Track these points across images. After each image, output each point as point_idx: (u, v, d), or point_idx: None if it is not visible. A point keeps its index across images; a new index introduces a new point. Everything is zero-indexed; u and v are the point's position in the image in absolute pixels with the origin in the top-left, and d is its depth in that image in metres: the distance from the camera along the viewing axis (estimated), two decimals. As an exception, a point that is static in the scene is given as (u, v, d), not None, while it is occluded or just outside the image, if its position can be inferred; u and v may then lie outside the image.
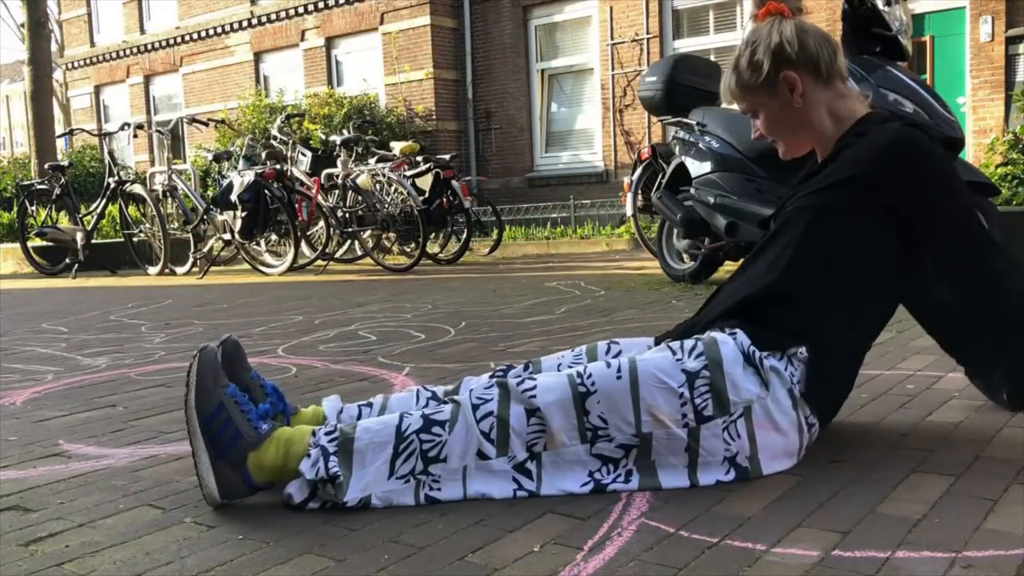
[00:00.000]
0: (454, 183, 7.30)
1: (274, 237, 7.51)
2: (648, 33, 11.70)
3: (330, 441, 1.48)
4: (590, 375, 1.52)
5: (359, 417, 1.71)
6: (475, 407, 1.51)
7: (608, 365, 1.54)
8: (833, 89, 1.70)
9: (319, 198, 7.24)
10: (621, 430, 1.50)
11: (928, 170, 1.62)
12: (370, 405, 1.74)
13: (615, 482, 1.50)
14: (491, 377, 1.74)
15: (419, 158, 7.88)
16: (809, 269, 1.63)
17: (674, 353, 1.55)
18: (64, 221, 8.91)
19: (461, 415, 1.50)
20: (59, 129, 14.98)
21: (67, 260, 8.47)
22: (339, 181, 7.41)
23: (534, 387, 1.51)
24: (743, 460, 1.52)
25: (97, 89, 18.03)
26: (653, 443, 1.50)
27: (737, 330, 1.58)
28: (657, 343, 1.78)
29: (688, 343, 1.57)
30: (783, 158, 1.80)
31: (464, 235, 7.50)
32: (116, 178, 8.03)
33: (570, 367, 1.74)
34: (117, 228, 8.88)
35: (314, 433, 1.50)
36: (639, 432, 1.50)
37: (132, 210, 8.23)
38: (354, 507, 1.45)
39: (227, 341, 1.63)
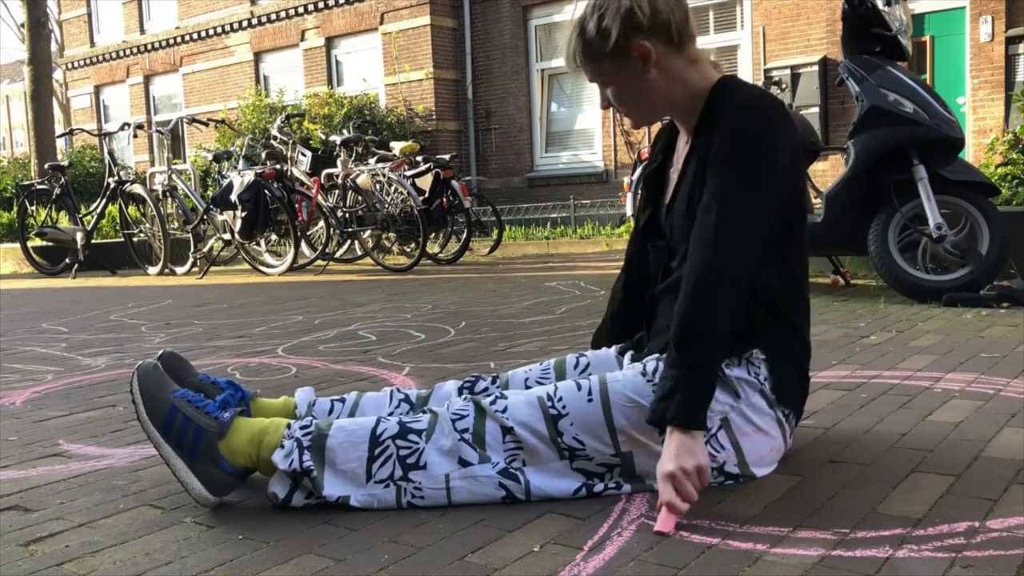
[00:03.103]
0: (454, 183, 7.30)
1: (274, 237, 7.51)
2: (648, 33, 11.69)
3: (305, 435, 1.48)
4: (560, 397, 1.50)
5: (331, 411, 1.71)
6: (452, 421, 1.50)
7: (579, 387, 1.51)
8: (685, 55, 1.54)
9: (319, 198, 7.24)
10: (600, 451, 1.48)
11: (748, 134, 1.48)
12: (343, 400, 1.74)
13: (607, 490, 1.49)
14: (460, 391, 1.72)
15: (419, 158, 7.88)
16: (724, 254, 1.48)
17: (644, 373, 1.52)
18: (64, 221, 8.90)
19: (439, 425, 1.50)
20: (59, 129, 14.97)
21: (67, 260, 8.46)
22: (339, 181, 7.41)
23: (505, 408, 1.50)
24: (732, 467, 1.51)
25: (97, 89, 18.03)
26: (635, 459, 1.49)
27: None
28: (621, 352, 1.77)
29: (651, 364, 1.53)
30: (633, 128, 1.70)
31: (464, 235, 7.50)
32: (116, 178, 8.02)
33: (539, 382, 1.73)
34: (117, 228, 8.88)
35: (289, 426, 1.50)
36: (618, 452, 1.49)
37: (132, 210, 8.23)
38: (336, 504, 1.45)
39: (163, 355, 1.63)
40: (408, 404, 1.72)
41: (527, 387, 1.73)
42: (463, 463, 1.47)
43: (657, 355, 1.55)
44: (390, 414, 1.67)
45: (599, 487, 1.49)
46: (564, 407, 1.49)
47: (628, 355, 1.72)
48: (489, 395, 1.56)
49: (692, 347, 1.41)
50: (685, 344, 1.42)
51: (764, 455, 1.54)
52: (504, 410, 1.50)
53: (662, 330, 1.62)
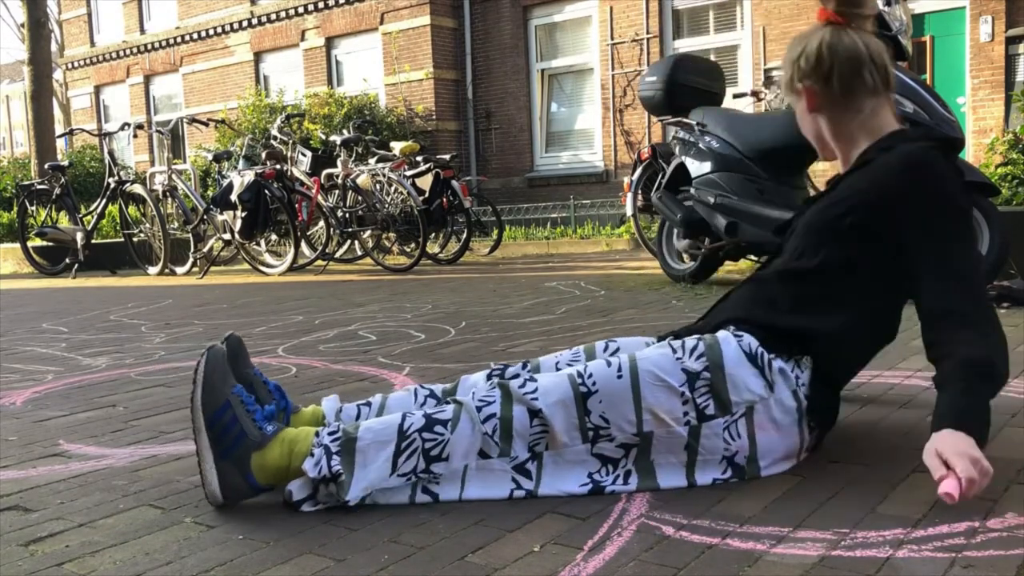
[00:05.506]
0: (454, 183, 7.30)
1: (274, 237, 7.51)
2: (648, 33, 11.70)
3: (333, 440, 1.49)
4: (591, 375, 1.53)
5: (358, 416, 1.73)
6: (478, 408, 1.51)
7: (608, 364, 1.54)
8: (854, 107, 1.67)
9: (319, 198, 7.24)
10: (622, 429, 1.50)
11: (934, 194, 1.55)
12: (369, 404, 1.75)
13: (614, 483, 1.50)
14: (488, 378, 1.75)
15: (419, 158, 7.88)
16: (819, 288, 1.62)
17: (674, 351, 1.55)
18: (64, 221, 8.90)
19: (464, 415, 1.51)
20: (59, 129, 14.96)
21: (67, 260, 8.46)
22: (339, 181, 7.41)
23: (535, 389, 1.52)
24: (741, 460, 1.52)
25: (97, 89, 18.03)
26: (653, 441, 1.51)
27: (743, 333, 1.58)
28: (660, 340, 1.79)
29: (690, 342, 1.56)
30: (821, 158, 1.81)
31: (464, 235, 7.50)
32: (116, 178, 8.02)
33: (568, 365, 1.75)
34: (117, 228, 8.88)
35: (317, 434, 1.51)
36: (640, 431, 1.50)
37: (132, 210, 8.23)
38: (354, 506, 1.45)
39: (230, 338, 1.64)
40: (434, 399, 1.74)
41: (558, 370, 1.74)
42: (483, 455, 1.49)
43: (697, 336, 1.59)
44: None
45: (606, 480, 1.50)
46: (594, 384, 1.51)
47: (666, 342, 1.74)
48: (519, 378, 1.57)
49: (992, 387, 1.45)
50: (987, 384, 1.45)
51: (776, 456, 1.55)
52: (533, 391, 1.51)
53: (720, 311, 1.73)
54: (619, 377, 1.52)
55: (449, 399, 1.59)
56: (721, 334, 1.58)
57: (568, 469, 1.51)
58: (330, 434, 1.50)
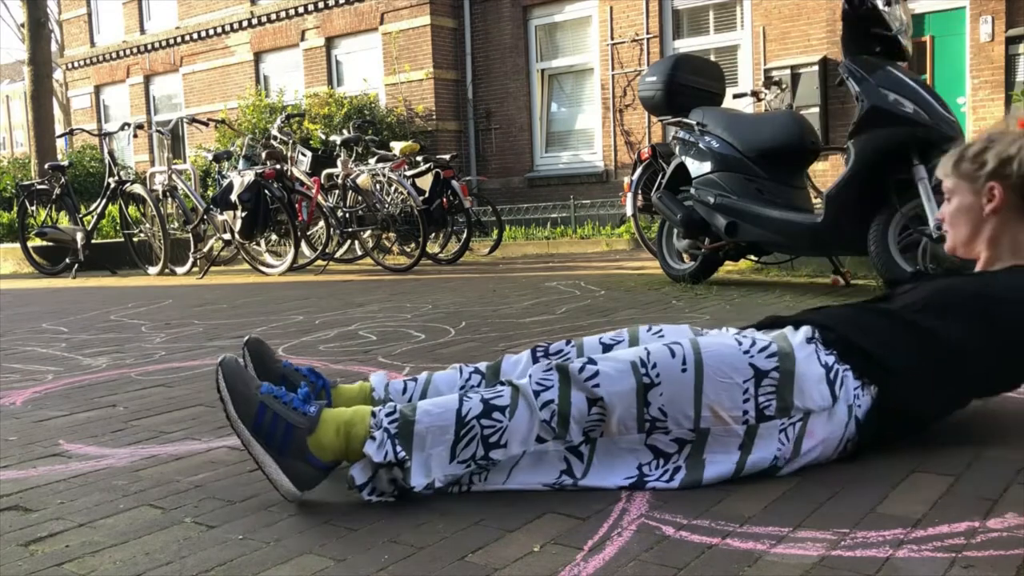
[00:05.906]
0: (454, 183, 7.30)
1: (274, 237, 7.51)
2: (648, 33, 11.70)
3: (391, 423, 1.47)
4: (654, 364, 1.51)
5: (404, 390, 1.73)
6: (536, 393, 1.49)
7: (672, 354, 1.52)
8: None
9: (319, 198, 7.24)
10: (679, 424, 1.50)
11: None
12: (415, 380, 1.76)
13: (659, 480, 1.50)
14: (534, 357, 1.73)
15: (419, 158, 7.87)
16: (923, 344, 1.62)
17: (740, 344, 1.54)
18: (64, 221, 8.90)
19: (522, 400, 1.49)
20: (59, 129, 14.96)
21: (67, 260, 8.45)
22: (339, 181, 7.41)
23: (596, 374, 1.50)
24: (782, 462, 1.53)
25: (97, 89, 18.03)
26: (708, 439, 1.51)
27: (822, 346, 1.58)
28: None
29: (762, 341, 1.55)
30: (945, 251, 1.83)
31: (464, 235, 7.50)
32: (116, 178, 8.01)
33: (612, 341, 1.75)
34: (117, 228, 8.88)
35: (374, 414, 1.49)
36: (697, 427, 1.50)
37: (132, 210, 8.22)
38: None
39: (250, 341, 1.63)
40: (479, 375, 1.74)
41: (604, 349, 1.73)
42: (539, 439, 1.49)
43: (771, 337, 1.58)
44: (461, 387, 1.69)
45: (652, 476, 1.50)
46: (658, 375, 1.50)
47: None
48: (571, 358, 1.56)
49: None
50: None
51: (808, 463, 1.55)
52: (594, 376, 1.50)
53: (809, 314, 1.73)
54: (683, 371, 1.50)
55: (505, 381, 1.56)
56: (799, 341, 1.57)
57: (619, 456, 1.51)
58: (387, 415, 1.48)
